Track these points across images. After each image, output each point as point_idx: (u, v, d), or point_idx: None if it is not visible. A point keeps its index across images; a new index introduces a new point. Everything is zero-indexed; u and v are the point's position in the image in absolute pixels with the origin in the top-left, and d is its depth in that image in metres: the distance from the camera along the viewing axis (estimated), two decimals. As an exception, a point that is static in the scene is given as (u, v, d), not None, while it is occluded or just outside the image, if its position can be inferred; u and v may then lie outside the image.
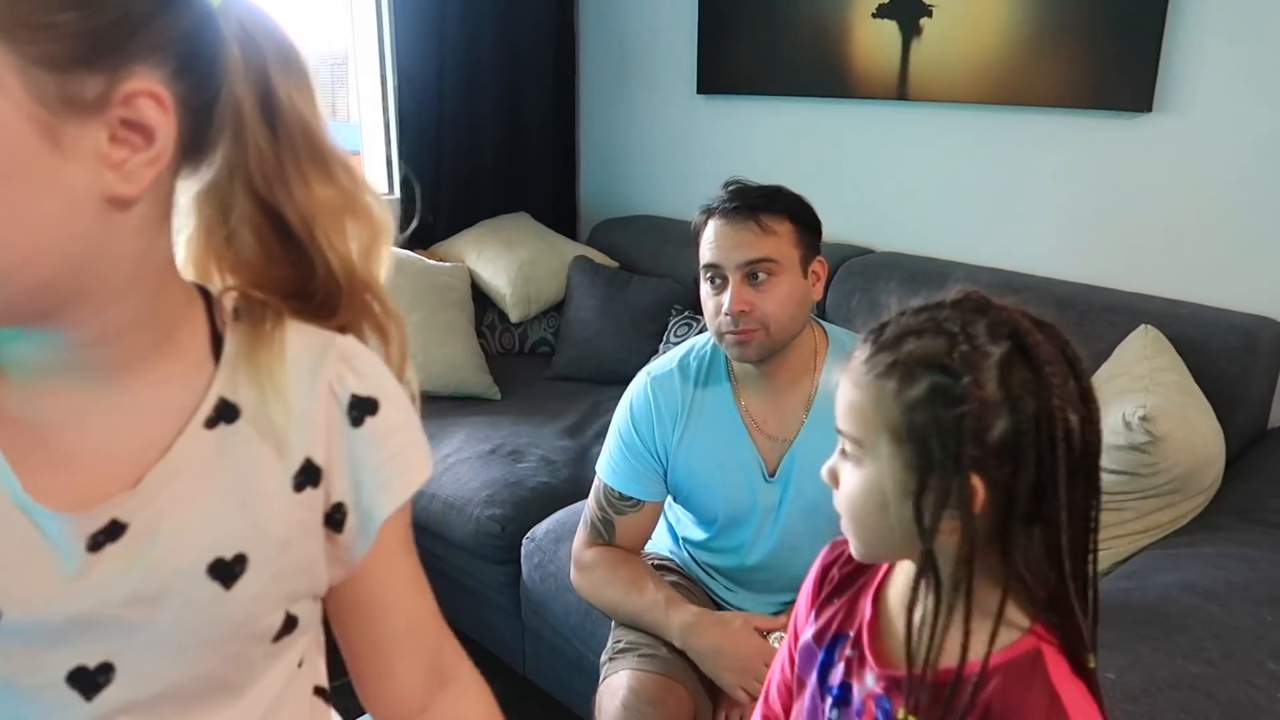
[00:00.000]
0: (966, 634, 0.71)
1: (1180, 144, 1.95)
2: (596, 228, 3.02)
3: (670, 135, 2.94)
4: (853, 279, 2.25)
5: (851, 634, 0.84)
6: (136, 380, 0.57)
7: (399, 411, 0.66)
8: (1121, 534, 1.51)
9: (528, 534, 1.94)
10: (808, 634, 0.89)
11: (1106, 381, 1.70)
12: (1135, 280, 2.02)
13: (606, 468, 1.52)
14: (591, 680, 1.50)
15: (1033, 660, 0.72)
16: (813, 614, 0.90)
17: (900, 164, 2.42)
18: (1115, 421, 1.49)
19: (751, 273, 1.35)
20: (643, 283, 2.67)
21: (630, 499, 1.50)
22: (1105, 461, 1.49)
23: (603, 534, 1.53)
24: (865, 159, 2.49)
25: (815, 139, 2.57)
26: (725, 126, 2.78)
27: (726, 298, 1.36)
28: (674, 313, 2.55)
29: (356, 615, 0.71)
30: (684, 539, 1.61)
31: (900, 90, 2.34)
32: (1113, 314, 1.87)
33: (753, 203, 1.37)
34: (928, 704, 0.73)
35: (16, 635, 0.53)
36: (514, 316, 2.76)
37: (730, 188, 1.41)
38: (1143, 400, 1.51)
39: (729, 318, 1.36)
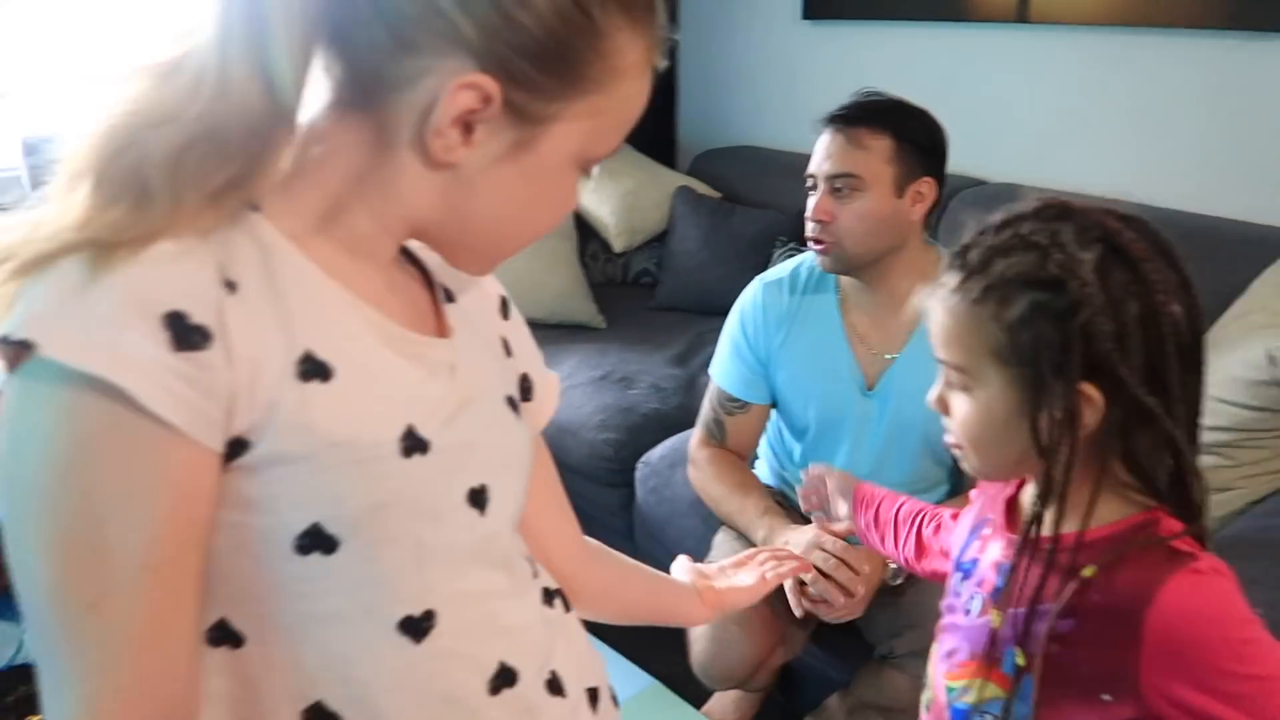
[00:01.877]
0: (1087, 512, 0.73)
1: (1329, 68, 1.86)
2: (698, 158, 3.00)
3: (774, 63, 2.89)
4: (966, 211, 2.21)
5: (991, 516, 0.87)
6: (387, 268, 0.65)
7: None
8: (1258, 472, 1.48)
9: (642, 458, 1.98)
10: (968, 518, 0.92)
11: (1240, 317, 1.66)
12: (1274, 212, 1.94)
13: (718, 369, 1.60)
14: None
15: (1146, 525, 0.72)
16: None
17: (1020, 91, 2.34)
18: (1257, 356, 1.45)
19: (836, 185, 1.38)
20: (746, 214, 2.65)
21: (738, 401, 1.57)
22: (1244, 397, 1.47)
23: (715, 433, 1.61)
24: (982, 86, 2.41)
25: (929, 66, 2.49)
26: (832, 53, 2.72)
27: (811, 204, 1.42)
28: (778, 244, 2.54)
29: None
30: (784, 465, 1.63)
31: (1021, 13, 2.25)
32: (1249, 247, 1.81)
33: (855, 115, 1.39)
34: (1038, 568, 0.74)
35: (436, 461, 0.60)
36: (617, 246, 2.78)
37: (853, 96, 1.42)
38: (1284, 336, 1.46)
39: (812, 224, 1.42)
